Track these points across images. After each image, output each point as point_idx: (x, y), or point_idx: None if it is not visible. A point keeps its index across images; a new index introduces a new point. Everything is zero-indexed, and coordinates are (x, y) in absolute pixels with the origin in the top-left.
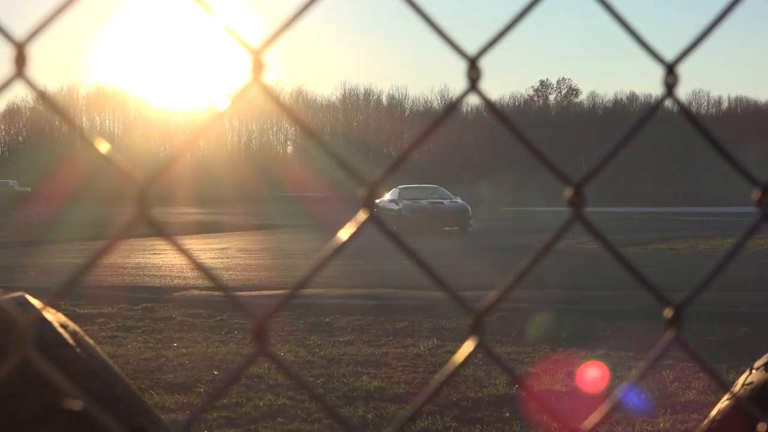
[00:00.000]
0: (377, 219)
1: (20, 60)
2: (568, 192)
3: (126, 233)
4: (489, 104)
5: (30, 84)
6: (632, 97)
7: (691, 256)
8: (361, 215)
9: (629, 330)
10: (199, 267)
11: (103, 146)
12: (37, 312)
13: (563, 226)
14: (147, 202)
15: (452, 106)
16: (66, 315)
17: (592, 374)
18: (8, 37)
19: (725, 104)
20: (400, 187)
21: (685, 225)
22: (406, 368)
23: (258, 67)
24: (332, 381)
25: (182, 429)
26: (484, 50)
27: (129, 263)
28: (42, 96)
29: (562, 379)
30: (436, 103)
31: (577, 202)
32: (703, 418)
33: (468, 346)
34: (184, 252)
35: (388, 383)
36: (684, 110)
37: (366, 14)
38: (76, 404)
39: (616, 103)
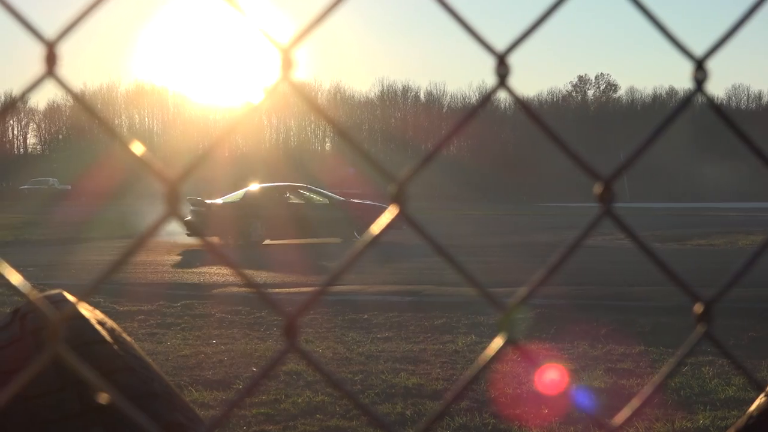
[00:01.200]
0: (407, 215)
1: (51, 59)
2: (597, 188)
3: (157, 231)
4: (518, 100)
5: (60, 82)
6: (671, 93)
7: (730, 253)
8: (391, 212)
9: (668, 326)
10: (229, 264)
11: (134, 143)
12: (69, 310)
13: (593, 221)
14: (177, 200)
15: (481, 103)
16: (105, 312)
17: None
18: (38, 36)
19: (766, 99)
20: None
21: (725, 221)
22: (445, 365)
23: (287, 64)
24: (370, 378)
25: (212, 427)
26: (512, 46)
27: (168, 260)
28: (72, 94)
29: (600, 376)
30: (474, 99)
31: (606, 198)
32: (742, 415)
33: (497, 343)
34: (214, 249)
35: (427, 380)
36: (713, 106)
37: (403, 10)
38: (104, 397)
39: (655, 98)
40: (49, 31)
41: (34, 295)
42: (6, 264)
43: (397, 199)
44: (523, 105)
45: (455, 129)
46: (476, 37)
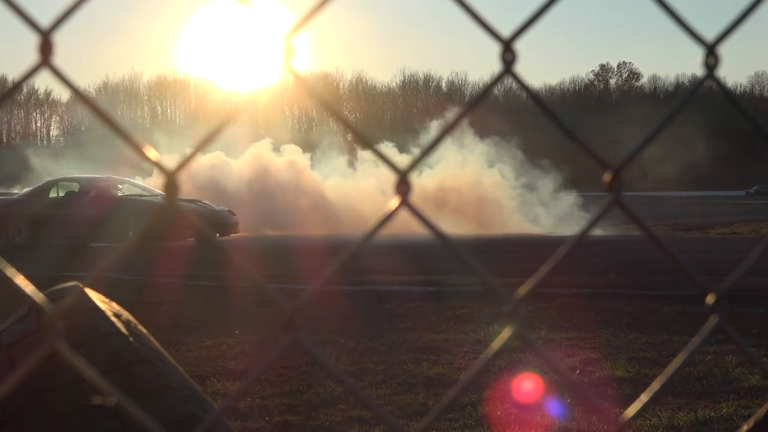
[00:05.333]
0: (410, 206)
1: (45, 48)
2: (606, 176)
3: (156, 222)
4: (524, 87)
5: (56, 72)
6: (694, 80)
7: (752, 241)
8: (393, 202)
9: (692, 315)
10: (230, 256)
11: (132, 135)
12: (68, 305)
13: (601, 211)
14: (175, 190)
15: (486, 91)
16: (128, 304)
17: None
18: (33, 25)
19: None
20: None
21: (750, 209)
22: (467, 354)
23: (288, 52)
24: (392, 368)
25: (217, 418)
26: (517, 33)
27: (191, 250)
28: (68, 85)
29: (623, 365)
30: (496, 89)
31: (615, 187)
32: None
33: (505, 334)
34: (213, 240)
35: (449, 369)
36: (725, 92)
37: (424, 0)
38: (109, 401)
39: (678, 86)
40: (45, 20)
41: (32, 289)
42: (8, 264)
43: (399, 189)
44: (530, 92)
45: (458, 118)
46: (482, 23)
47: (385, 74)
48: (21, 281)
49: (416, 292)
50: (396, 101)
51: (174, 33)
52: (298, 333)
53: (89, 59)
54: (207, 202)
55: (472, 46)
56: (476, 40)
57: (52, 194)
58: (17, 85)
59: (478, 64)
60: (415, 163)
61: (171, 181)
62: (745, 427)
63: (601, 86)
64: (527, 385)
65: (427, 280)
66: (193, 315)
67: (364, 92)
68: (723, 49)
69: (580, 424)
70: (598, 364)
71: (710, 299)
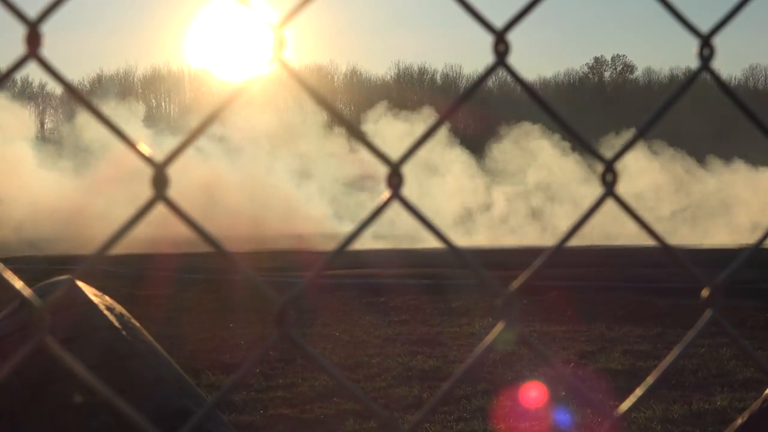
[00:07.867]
0: (402, 198)
1: (33, 39)
2: (600, 169)
3: (144, 214)
4: (518, 80)
5: (43, 64)
6: (688, 73)
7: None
8: (385, 195)
9: (687, 307)
10: (221, 250)
11: (119, 128)
12: (56, 299)
13: (595, 203)
14: (164, 183)
15: (479, 82)
16: (123, 297)
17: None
18: (21, 16)
19: None
20: None
21: None
22: (462, 347)
23: (279, 43)
24: (387, 360)
25: (207, 411)
26: (510, 24)
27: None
28: (56, 76)
29: (617, 358)
30: (491, 82)
31: (609, 180)
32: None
33: (498, 327)
34: (204, 234)
35: (444, 362)
36: (720, 84)
37: None
38: (96, 396)
39: (672, 79)
40: (32, 11)
41: (21, 284)
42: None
43: (391, 181)
44: (523, 85)
45: (451, 109)
46: (475, 14)
47: (379, 67)
48: (9, 276)
49: (411, 285)
50: (390, 94)
51: (171, 26)
52: (289, 327)
53: (87, 52)
54: None
55: (466, 38)
56: (471, 32)
57: None
58: (4, 78)
59: (473, 57)
60: (408, 155)
61: (159, 174)
62: (739, 420)
63: (596, 79)
64: (523, 380)
65: (422, 272)
66: (187, 308)
67: (358, 85)
68: (717, 42)
69: (575, 418)
70: (592, 357)
71: (705, 293)
